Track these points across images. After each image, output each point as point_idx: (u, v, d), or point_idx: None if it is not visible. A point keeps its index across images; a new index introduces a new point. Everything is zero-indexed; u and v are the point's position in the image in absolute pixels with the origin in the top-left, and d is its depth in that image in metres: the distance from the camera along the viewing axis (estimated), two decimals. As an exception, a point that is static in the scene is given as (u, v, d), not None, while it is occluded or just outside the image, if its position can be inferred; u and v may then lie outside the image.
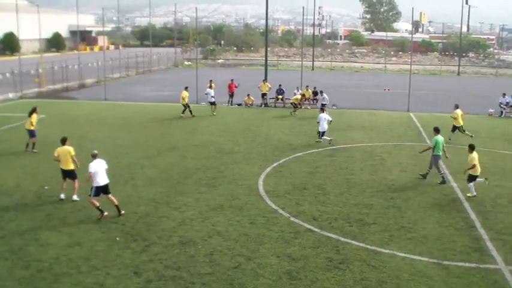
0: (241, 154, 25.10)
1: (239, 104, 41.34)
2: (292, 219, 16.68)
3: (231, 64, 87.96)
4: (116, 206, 16.73)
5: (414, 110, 38.74)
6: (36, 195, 18.92)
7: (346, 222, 16.46)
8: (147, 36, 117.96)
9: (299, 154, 25.21)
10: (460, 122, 28.75)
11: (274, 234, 15.44)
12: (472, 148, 19.63)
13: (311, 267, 13.37)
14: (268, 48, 56.07)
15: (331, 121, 28.18)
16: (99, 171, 16.55)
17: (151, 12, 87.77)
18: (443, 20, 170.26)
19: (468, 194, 19.17)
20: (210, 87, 38.38)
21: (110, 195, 16.72)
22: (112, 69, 59.63)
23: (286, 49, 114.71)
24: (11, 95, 44.67)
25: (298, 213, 17.21)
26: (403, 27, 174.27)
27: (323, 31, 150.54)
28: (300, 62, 52.25)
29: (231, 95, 41.43)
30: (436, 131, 21.65)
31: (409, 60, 57.34)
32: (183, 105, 35.16)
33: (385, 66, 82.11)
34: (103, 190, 16.61)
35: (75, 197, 18.19)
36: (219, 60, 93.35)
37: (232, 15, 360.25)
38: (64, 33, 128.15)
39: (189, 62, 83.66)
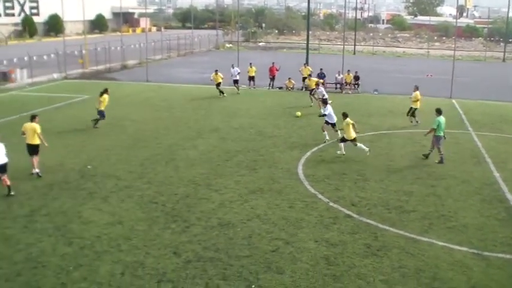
0: (282, 138, 25.10)
1: (280, 88, 41.24)
2: (331, 204, 16.65)
3: (272, 47, 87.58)
4: (8, 186, 17.01)
5: (457, 97, 38.03)
6: (79, 174, 19.35)
7: (385, 209, 16.35)
8: (188, 18, 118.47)
9: (339, 139, 25.07)
10: (418, 105, 28.38)
11: (313, 218, 15.46)
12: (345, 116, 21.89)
13: (349, 253, 13.36)
14: (310, 32, 55.59)
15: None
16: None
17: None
18: (489, 4, 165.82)
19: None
20: (249, 70, 38.64)
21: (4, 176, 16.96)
22: (154, 51, 60.09)
23: (327, 33, 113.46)
24: (55, 76, 45.55)
25: (338, 198, 17.17)
26: (447, 11, 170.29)
27: (365, 15, 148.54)
28: (342, 46, 51.70)
29: (272, 78, 41.34)
30: (438, 112, 21.66)
31: (453, 46, 56.09)
32: (217, 86, 36.03)
33: (428, 52, 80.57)
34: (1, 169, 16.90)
35: (35, 171, 19.05)
36: (260, 43, 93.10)
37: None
38: (107, 14, 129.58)
39: (230, 45, 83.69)
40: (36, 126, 19.31)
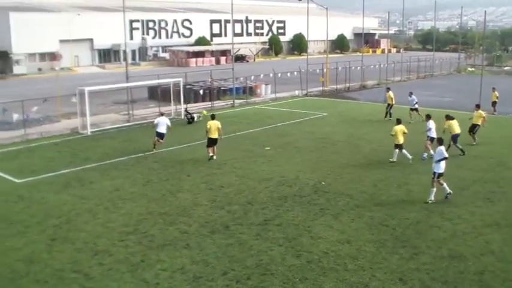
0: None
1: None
2: None
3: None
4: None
5: None
6: (313, 189, 20.01)
7: None
8: (429, 40, 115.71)
9: None
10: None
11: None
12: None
13: None
14: None
15: None
16: None
17: (435, 15, 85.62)
18: None
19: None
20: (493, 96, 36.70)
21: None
22: (393, 72, 59.79)
23: None
24: (297, 92, 47.80)
25: None
26: None
27: None
28: None
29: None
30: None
31: None
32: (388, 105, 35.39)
33: None
34: None
35: (214, 156, 24.15)
36: (506, 67, 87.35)
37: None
38: (348, 35, 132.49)
39: (473, 68, 79.74)
40: (218, 123, 24.16)
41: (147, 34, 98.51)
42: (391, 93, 35.46)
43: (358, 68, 55.94)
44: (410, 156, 23.59)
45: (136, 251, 14.54)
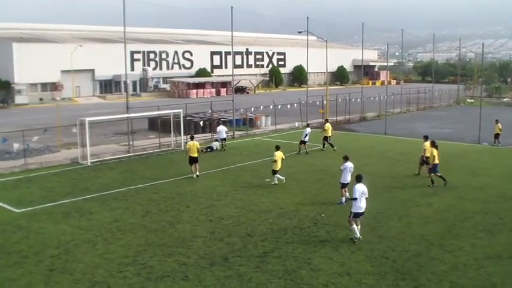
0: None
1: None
2: None
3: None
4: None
5: None
6: (313, 221, 19.95)
7: None
8: (429, 72, 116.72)
9: None
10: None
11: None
12: None
13: None
14: None
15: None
16: None
17: (434, 47, 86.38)
18: None
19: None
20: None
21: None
22: (393, 104, 60.11)
23: None
24: (296, 124, 47.96)
25: None
26: None
27: None
28: None
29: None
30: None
31: None
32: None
33: None
34: None
35: (196, 174, 27.39)
36: (505, 99, 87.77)
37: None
38: (348, 67, 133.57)
39: (472, 100, 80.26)
40: (197, 143, 27.78)
41: (148, 65, 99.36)
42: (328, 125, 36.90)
43: (358, 99, 56.27)
44: (282, 177, 25.75)
45: (135, 283, 14.42)
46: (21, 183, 26.66)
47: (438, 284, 14.45)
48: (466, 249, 17.15)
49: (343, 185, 22.39)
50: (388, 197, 23.55)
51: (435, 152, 25.62)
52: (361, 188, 17.86)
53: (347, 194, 22.00)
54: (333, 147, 35.07)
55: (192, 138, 28.81)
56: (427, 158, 26.45)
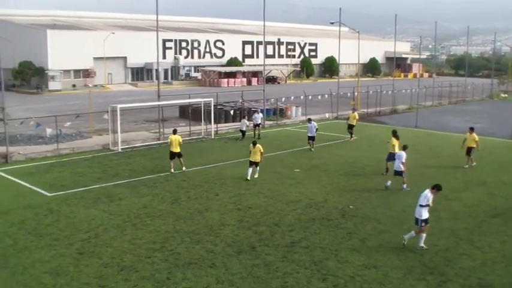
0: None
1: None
2: None
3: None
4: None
5: None
6: (341, 212, 19.90)
7: None
8: (462, 65, 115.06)
9: None
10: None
11: None
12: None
13: None
14: None
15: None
16: None
17: (469, 41, 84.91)
18: None
19: None
20: None
21: None
22: (425, 97, 59.39)
23: None
24: (327, 115, 47.75)
25: None
26: None
27: None
28: None
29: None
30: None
31: None
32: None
33: None
34: None
35: (172, 170, 25.81)
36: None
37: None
38: (380, 59, 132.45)
39: (506, 95, 78.84)
40: (179, 137, 26.31)
41: (180, 54, 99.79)
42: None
43: (390, 92, 55.71)
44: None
45: (162, 268, 14.59)
46: (53, 167, 27.10)
47: (466, 279, 14.31)
48: (496, 246, 16.93)
49: (396, 173, 23.32)
50: (418, 190, 23.26)
51: (395, 141, 25.82)
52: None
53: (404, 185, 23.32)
54: (351, 136, 35.51)
55: (174, 132, 26.78)
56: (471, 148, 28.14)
